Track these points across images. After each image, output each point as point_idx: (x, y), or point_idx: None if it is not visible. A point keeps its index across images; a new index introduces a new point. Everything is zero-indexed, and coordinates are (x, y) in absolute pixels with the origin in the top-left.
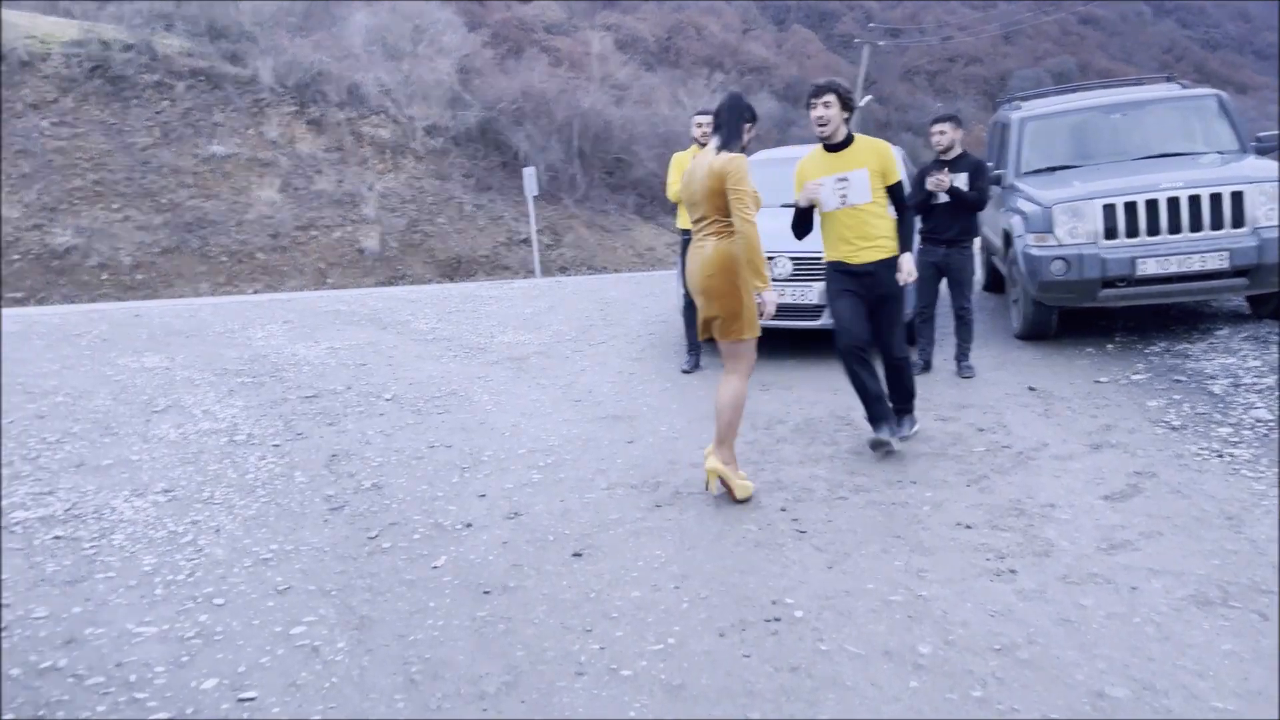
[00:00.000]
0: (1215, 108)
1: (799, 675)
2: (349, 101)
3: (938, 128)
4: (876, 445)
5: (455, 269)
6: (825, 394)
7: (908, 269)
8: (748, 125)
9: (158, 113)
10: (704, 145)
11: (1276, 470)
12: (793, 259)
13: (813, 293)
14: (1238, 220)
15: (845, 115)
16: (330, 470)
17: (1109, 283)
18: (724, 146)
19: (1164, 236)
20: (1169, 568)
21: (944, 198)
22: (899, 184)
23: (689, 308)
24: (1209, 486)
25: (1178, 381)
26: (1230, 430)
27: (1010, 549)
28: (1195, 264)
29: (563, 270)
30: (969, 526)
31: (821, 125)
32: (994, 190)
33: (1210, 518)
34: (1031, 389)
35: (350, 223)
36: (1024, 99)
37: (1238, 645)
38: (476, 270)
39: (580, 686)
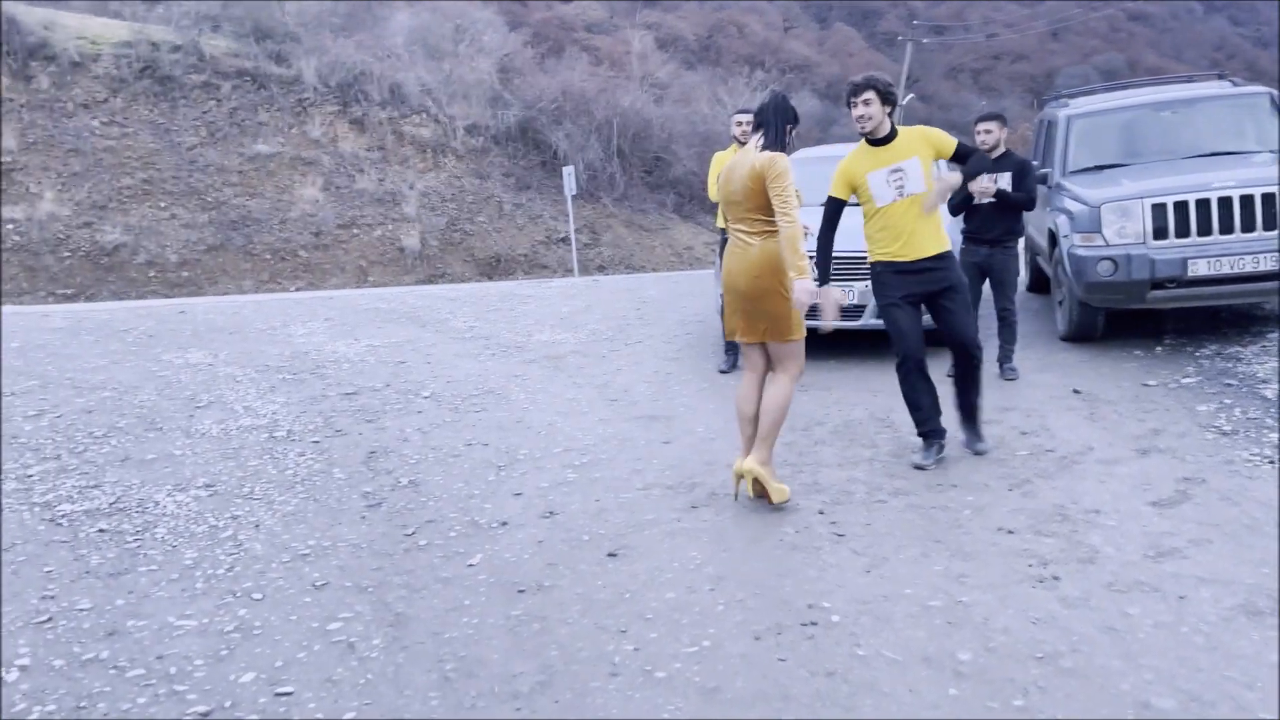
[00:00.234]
0: (1267, 106)
1: (835, 680)
2: (391, 101)
3: (983, 126)
4: (919, 468)
5: (494, 268)
6: (865, 395)
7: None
8: (790, 127)
9: (204, 112)
10: (744, 144)
11: None
12: (851, 259)
13: (853, 292)
14: None
15: (887, 110)
16: (368, 467)
17: (1158, 284)
18: (767, 146)
19: (1215, 237)
20: (1218, 576)
21: (988, 198)
22: (959, 143)
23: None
24: (1260, 493)
25: (1228, 385)
26: None
27: (1054, 555)
28: (1247, 265)
29: (601, 269)
30: (1011, 531)
31: (864, 122)
32: (1040, 189)
33: (1261, 525)
34: (1077, 392)
35: (391, 221)
36: (1071, 96)
37: None
38: (515, 269)
39: (614, 688)
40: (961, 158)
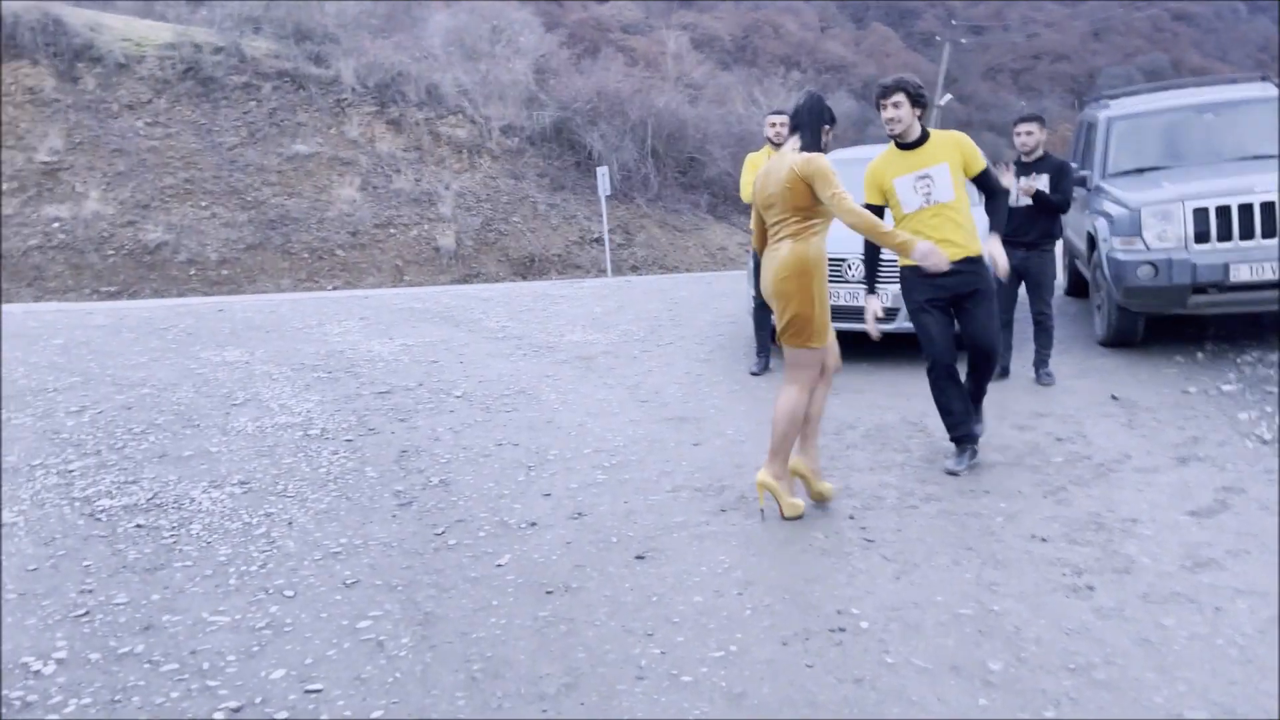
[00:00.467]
0: None
1: (863, 688)
2: (427, 102)
3: (1024, 128)
4: (952, 473)
5: (528, 268)
6: (898, 399)
7: (1003, 262)
8: (827, 128)
9: (245, 113)
10: (777, 145)
11: None
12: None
13: (886, 295)
14: None
15: (917, 112)
16: (400, 466)
17: (1199, 289)
18: (804, 149)
19: (1258, 241)
20: (1255, 588)
21: (1025, 200)
22: (986, 170)
23: (759, 309)
24: None
25: (1271, 393)
26: None
27: (1088, 564)
28: None
29: (634, 270)
30: (1045, 540)
31: (893, 125)
32: (1078, 192)
33: None
34: (1115, 398)
35: (427, 221)
36: (1112, 97)
37: None
38: (549, 269)
39: (640, 691)
40: (983, 185)
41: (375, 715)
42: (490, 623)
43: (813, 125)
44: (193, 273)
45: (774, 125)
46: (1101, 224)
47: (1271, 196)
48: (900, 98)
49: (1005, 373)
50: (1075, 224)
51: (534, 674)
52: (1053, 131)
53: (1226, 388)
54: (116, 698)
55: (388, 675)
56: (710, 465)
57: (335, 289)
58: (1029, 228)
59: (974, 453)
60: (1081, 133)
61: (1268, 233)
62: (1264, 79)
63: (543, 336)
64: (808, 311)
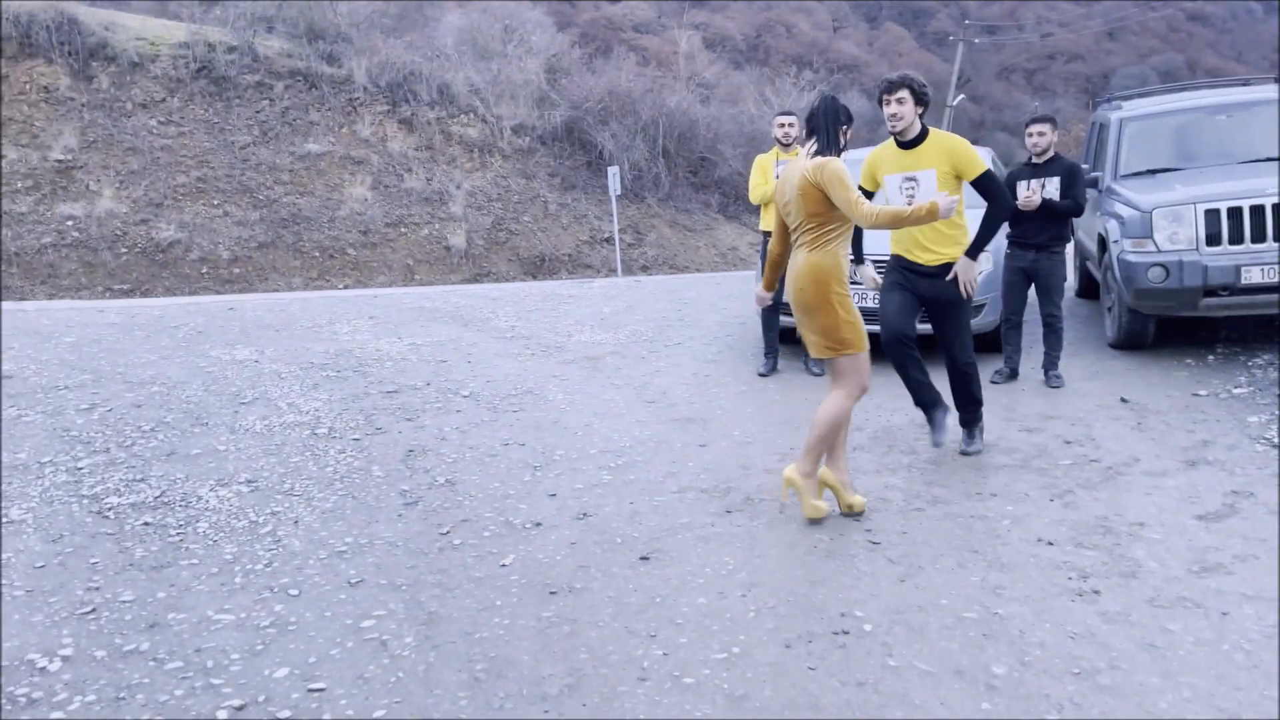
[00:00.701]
0: None
1: (865, 691)
2: (439, 101)
3: (1035, 129)
4: (938, 445)
5: (539, 267)
6: (905, 401)
7: (966, 276)
8: (844, 128)
9: (257, 112)
10: (786, 146)
11: None
12: (874, 262)
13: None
14: None
15: (919, 111)
16: (406, 465)
17: (1211, 291)
18: (819, 152)
19: (1270, 243)
20: (1263, 593)
21: (1032, 208)
22: (986, 174)
23: (768, 310)
24: None
25: None
26: None
27: (1094, 568)
28: None
29: (644, 269)
30: (1051, 543)
31: (895, 122)
32: (1090, 193)
33: None
34: (1124, 401)
35: (438, 220)
36: (1124, 98)
37: None
38: (559, 269)
39: (642, 692)
40: (983, 189)
41: (378, 714)
42: (494, 623)
43: (828, 128)
44: (205, 271)
45: (782, 126)
46: (1113, 225)
47: None
48: (904, 94)
49: (1014, 375)
50: (1086, 225)
51: (536, 674)
52: (1066, 132)
53: (1237, 391)
54: (120, 695)
55: (390, 675)
56: (716, 466)
57: (346, 288)
58: (1039, 230)
59: (981, 432)
60: (1093, 134)
61: None
62: (1277, 80)
63: (551, 336)
64: (833, 319)
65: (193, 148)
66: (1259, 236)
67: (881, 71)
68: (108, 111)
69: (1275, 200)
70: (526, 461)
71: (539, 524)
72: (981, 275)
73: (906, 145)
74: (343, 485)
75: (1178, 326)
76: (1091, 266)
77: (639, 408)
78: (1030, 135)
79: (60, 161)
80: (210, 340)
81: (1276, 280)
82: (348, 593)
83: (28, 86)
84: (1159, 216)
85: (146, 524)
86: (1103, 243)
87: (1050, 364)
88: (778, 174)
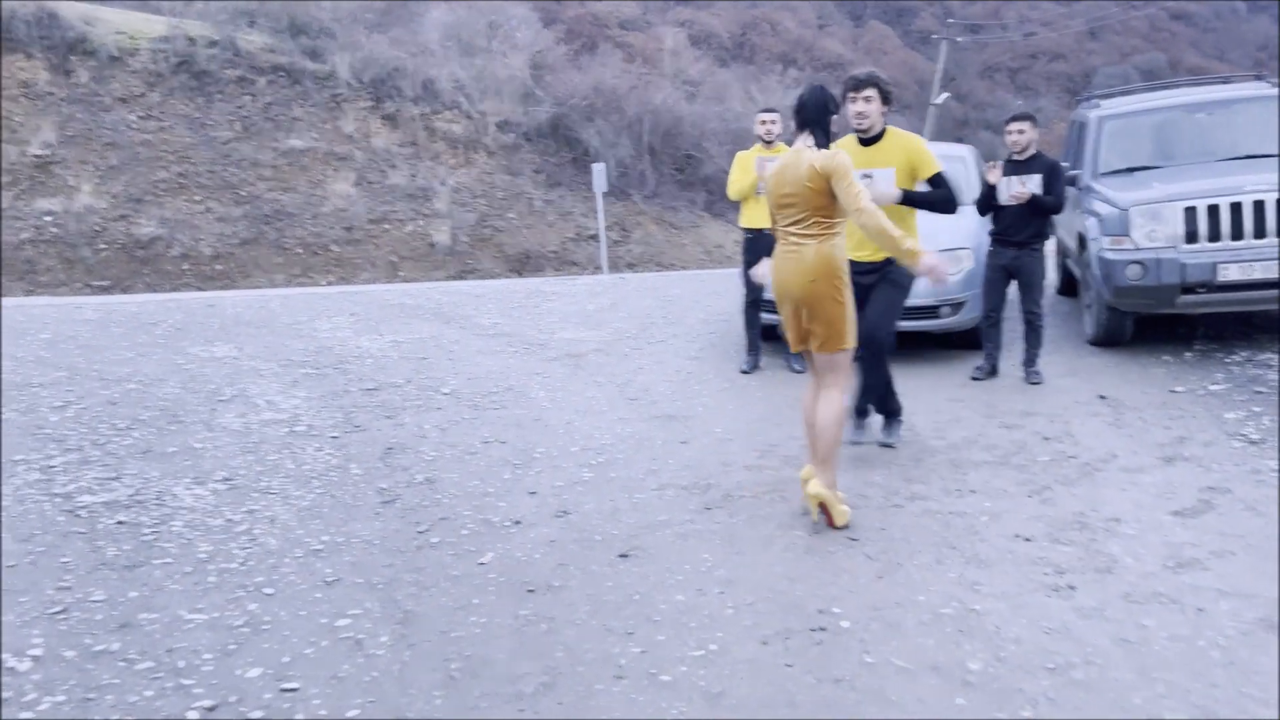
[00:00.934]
0: None
1: (842, 687)
2: (423, 97)
3: (1015, 126)
4: (855, 444)
5: (524, 264)
6: None
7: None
8: (835, 117)
9: (239, 107)
10: (769, 143)
11: None
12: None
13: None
14: None
15: (884, 110)
16: (385, 463)
17: (1188, 289)
18: (818, 144)
19: (1248, 241)
20: (1238, 589)
21: (1018, 202)
22: (941, 175)
23: (751, 307)
24: None
25: (1259, 393)
26: None
27: (1070, 564)
28: None
29: (630, 267)
30: (1028, 539)
31: (862, 120)
32: (1070, 191)
33: None
34: (1102, 397)
35: (422, 217)
36: (1104, 97)
37: None
38: (545, 266)
39: (618, 690)
40: (936, 188)
41: (351, 714)
42: (470, 621)
43: (821, 120)
44: (186, 267)
45: (764, 123)
46: (1092, 223)
47: (1262, 196)
48: (872, 93)
49: (994, 371)
50: (1066, 223)
51: (512, 673)
52: (1049, 130)
53: (1214, 387)
54: (90, 695)
55: (365, 674)
56: (697, 463)
57: (329, 284)
58: (1021, 228)
59: (899, 424)
60: (1073, 132)
61: (1258, 233)
62: (1259, 78)
63: (534, 334)
64: (840, 311)
65: (173, 143)
66: (1237, 234)
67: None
68: (87, 106)
69: (1253, 198)
70: (507, 459)
71: (518, 522)
72: (962, 272)
73: (867, 142)
74: (320, 483)
75: (1156, 324)
76: (1071, 264)
77: (621, 405)
78: (1010, 133)
79: (39, 157)
80: (189, 337)
81: (1253, 278)
82: (323, 591)
83: (7, 81)
84: (1137, 214)
85: (120, 523)
86: (1082, 240)
87: (1030, 361)
88: (762, 171)
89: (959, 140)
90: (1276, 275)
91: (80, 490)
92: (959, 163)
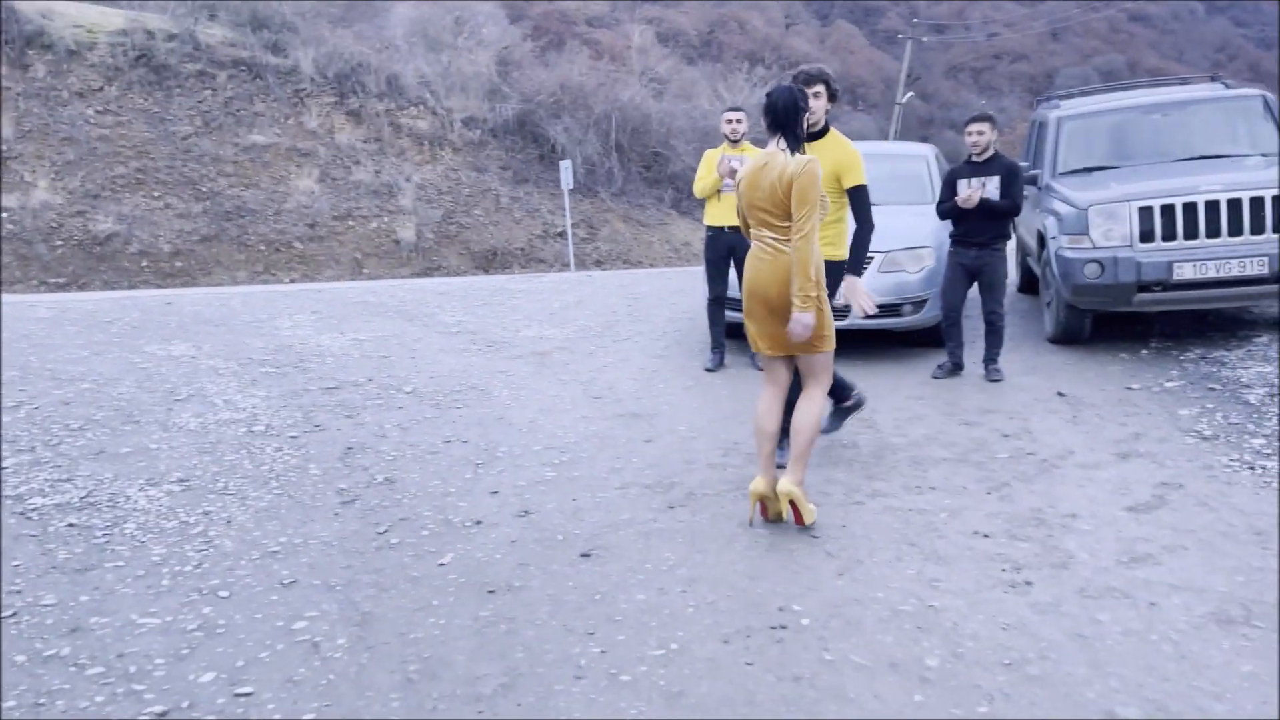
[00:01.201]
0: (1260, 108)
1: (801, 685)
2: (388, 93)
3: (974, 128)
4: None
5: (490, 261)
6: None
7: (862, 303)
8: (804, 115)
9: (199, 102)
10: (735, 142)
11: None
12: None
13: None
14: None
15: (828, 107)
16: (345, 463)
17: (1144, 287)
18: (791, 147)
19: (1202, 240)
20: (1190, 584)
21: (972, 206)
22: (862, 188)
23: (715, 305)
24: (1237, 500)
25: (1212, 390)
26: (1263, 441)
27: (1028, 560)
28: (1234, 269)
29: (598, 264)
30: (987, 535)
31: (808, 115)
32: (1030, 190)
33: (1237, 532)
34: (1061, 394)
35: (387, 213)
36: (1063, 97)
37: (1258, 666)
38: (512, 263)
39: (578, 690)
40: (853, 200)
41: (307, 718)
42: (429, 623)
43: (791, 122)
44: (145, 265)
45: (730, 122)
46: (1051, 222)
47: (1215, 196)
48: (820, 89)
49: (958, 368)
50: (1027, 222)
51: (471, 674)
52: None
53: (1169, 384)
54: (40, 701)
55: (321, 677)
56: (661, 462)
57: (293, 282)
58: (981, 229)
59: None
60: (1034, 132)
61: (1211, 232)
62: (1213, 79)
63: (498, 332)
64: (819, 318)
65: (132, 138)
66: (1191, 234)
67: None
68: (44, 100)
69: (1207, 198)
70: (468, 459)
71: (479, 522)
72: (924, 270)
73: (808, 138)
74: (279, 484)
75: (1113, 322)
76: (1032, 262)
77: (585, 403)
78: (970, 134)
79: None
80: (145, 336)
81: (1207, 276)
82: (280, 594)
83: None
84: (1095, 214)
85: (71, 525)
86: (1042, 239)
87: (990, 359)
88: (730, 168)
89: (923, 139)
90: (1230, 274)
91: (31, 492)
92: (921, 162)
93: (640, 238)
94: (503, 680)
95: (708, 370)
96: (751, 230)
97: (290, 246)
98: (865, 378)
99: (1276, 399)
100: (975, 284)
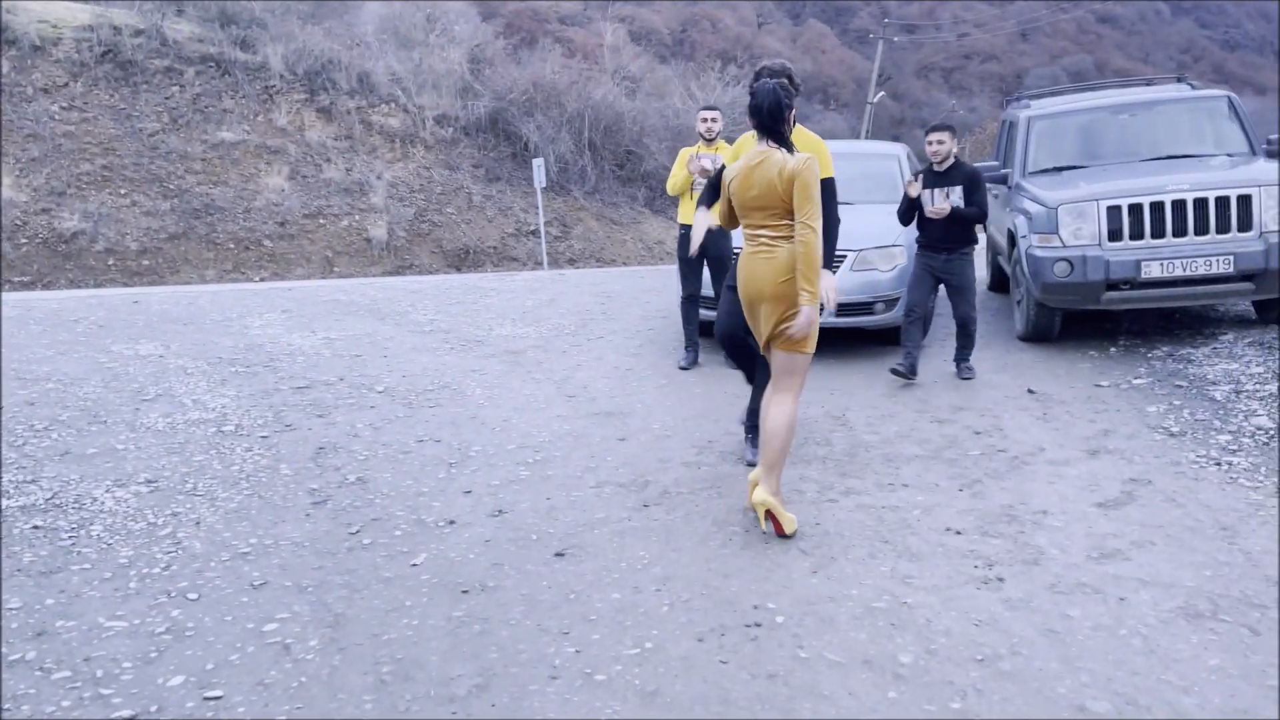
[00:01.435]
0: (1226, 109)
1: (776, 683)
2: (359, 90)
3: (935, 137)
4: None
5: (463, 259)
6: (821, 394)
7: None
8: (790, 113)
9: (167, 98)
10: (710, 141)
11: (1276, 480)
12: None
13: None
14: (1244, 224)
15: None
16: (316, 463)
17: (1113, 285)
18: (784, 146)
19: (1169, 239)
20: (1159, 579)
21: (940, 215)
22: (829, 180)
23: (688, 303)
24: (1205, 495)
25: (1179, 387)
26: (1229, 438)
27: (999, 556)
28: (1200, 268)
29: (571, 262)
30: (959, 532)
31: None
32: (1000, 190)
33: (1204, 528)
34: (1031, 392)
35: (358, 211)
36: (1034, 97)
37: (1226, 660)
38: (484, 261)
39: (553, 690)
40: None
41: None
42: (402, 624)
43: (777, 125)
44: (111, 263)
45: (705, 121)
46: (1021, 221)
47: (1182, 195)
48: (784, 82)
49: (913, 372)
50: (997, 221)
51: (445, 675)
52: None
53: (1137, 382)
54: (5, 706)
55: (293, 679)
56: (635, 460)
57: (262, 280)
58: (947, 236)
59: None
60: (1003, 132)
61: (1178, 231)
62: (1180, 80)
63: (471, 330)
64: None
65: (98, 134)
66: (1158, 233)
67: (806, 69)
68: (7, 96)
69: (1174, 197)
70: (441, 458)
71: (452, 522)
72: (896, 269)
73: None
74: (249, 484)
75: (1082, 320)
76: (1002, 261)
77: (559, 402)
78: (930, 144)
79: None
80: (112, 335)
81: (1174, 275)
82: (250, 596)
83: None
84: (1064, 213)
85: (36, 527)
86: (1012, 238)
87: (962, 358)
88: (700, 166)
89: (895, 139)
90: (1196, 273)
91: None
92: (893, 161)
93: (613, 236)
94: (477, 681)
95: (681, 368)
96: (746, 230)
97: (260, 245)
98: (838, 376)
99: (1276, 397)
100: (942, 286)
